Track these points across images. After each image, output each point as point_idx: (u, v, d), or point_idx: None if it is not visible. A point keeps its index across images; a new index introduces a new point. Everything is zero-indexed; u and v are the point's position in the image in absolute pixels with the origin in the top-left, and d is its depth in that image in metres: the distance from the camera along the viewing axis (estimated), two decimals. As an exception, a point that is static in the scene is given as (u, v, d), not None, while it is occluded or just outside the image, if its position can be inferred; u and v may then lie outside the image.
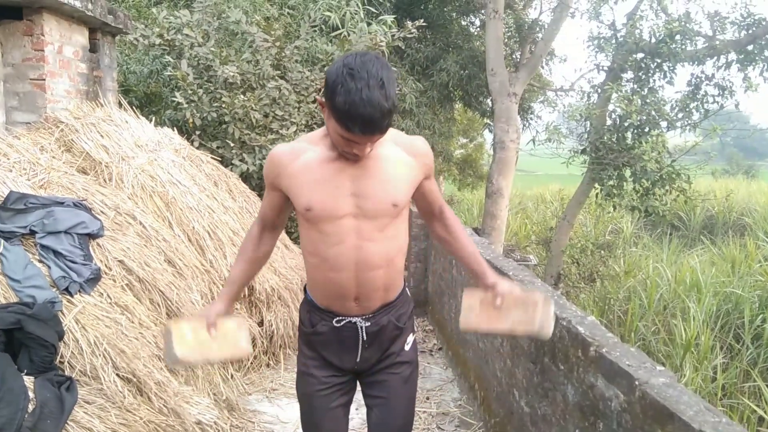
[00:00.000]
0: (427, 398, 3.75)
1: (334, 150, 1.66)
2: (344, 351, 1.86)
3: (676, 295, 8.25)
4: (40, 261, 2.77)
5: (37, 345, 2.35)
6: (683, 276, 8.75)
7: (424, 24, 6.48)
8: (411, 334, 1.98)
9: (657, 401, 1.60)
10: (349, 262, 1.72)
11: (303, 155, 1.71)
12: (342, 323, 1.83)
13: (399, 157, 1.73)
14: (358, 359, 1.87)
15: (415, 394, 2.05)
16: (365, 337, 1.84)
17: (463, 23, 11.86)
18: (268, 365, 4.07)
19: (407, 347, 1.95)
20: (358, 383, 1.99)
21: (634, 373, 1.76)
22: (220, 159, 5.10)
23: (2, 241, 2.70)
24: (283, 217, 1.90)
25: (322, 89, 1.61)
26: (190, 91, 5.47)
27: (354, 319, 1.82)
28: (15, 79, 3.99)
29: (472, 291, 1.93)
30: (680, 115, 8.64)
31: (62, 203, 3.05)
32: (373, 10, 6.96)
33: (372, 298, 1.81)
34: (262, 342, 3.97)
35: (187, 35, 5.65)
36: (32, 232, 2.85)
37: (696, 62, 8.67)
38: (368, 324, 1.83)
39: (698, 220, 15.62)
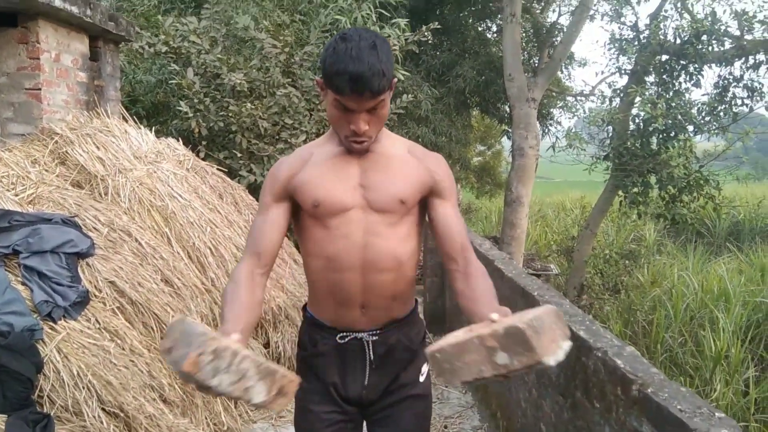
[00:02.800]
0: (445, 427, 3.47)
1: (341, 145, 1.61)
2: (349, 374, 1.65)
3: (703, 304, 7.92)
4: (23, 283, 2.56)
5: (11, 379, 2.13)
6: (711, 285, 8.40)
7: (438, 27, 6.24)
8: (425, 363, 1.73)
9: (722, 462, 1.33)
10: (355, 260, 1.57)
11: (311, 158, 1.64)
12: (346, 339, 1.63)
13: (408, 160, 1.64)
14: (366, 382, 1.65)
15: None
16: (372, 356, 1.63)
17: (480, 28, 11.61)
18: (275, 389, 3.82)
19: (422, 378, 1.72)
20: (364, 424, 1.75)
21: (688, 422, 1.48)
22: (227, 170, 4.89)
23: (-19, 262, 2.50)
24: (281, 244, 1.66)
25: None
26: (196, 100, 5.28)
27: (360, 335, 1.63)
28: (10, 88, 3.82)
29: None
30: (708, 119, 8.28)
31: (50, 220, 2.84)
32: (386, 13, 6.73)
33: (379, 306, 1.61)
34: (269, 365, 3.73)
35: (193, 42, 5.47)
36: (15, 252, 2.65)
37: (723, 63, 8.32)
38: (375, 339, 1.63)
39: (724, 227, 15.14)
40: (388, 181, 1.59)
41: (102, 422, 2.31)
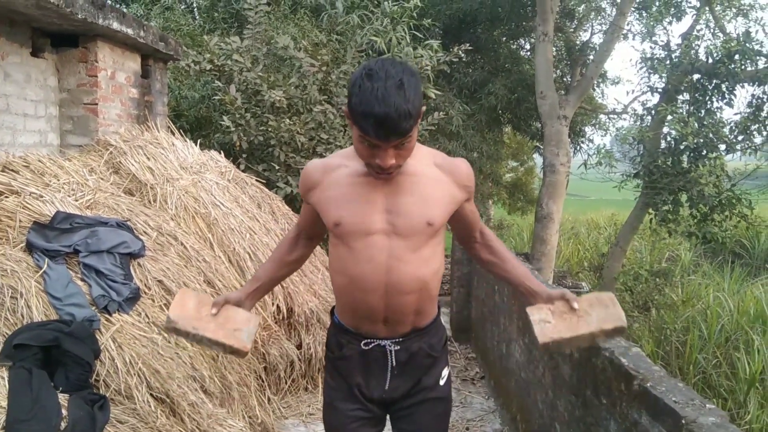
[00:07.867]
0: (467, 429, 3.62)
1: None
2: (372, 377, 1.76)
3: (738, 326, 7.81)
4: (82, 279, 2.83)
5: (73, 363, 2.38)
6: (747, 306, 8.29)
7: (470, 47, 6.44)
8: (446, 368, 1.86)
9: (705, 443, 1.47)
10: (378, 283, 1.63)
11: (337, 170, 1.67)
12: (370, 346, 1.73)
13: (437, 177, 1.67)
14: (386, 386, 1.76)
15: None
16: (394, 363, 1.74)
17: (513, 47, 11.78)
18: (306, 389, 4.03)
19: (442, 382, 1.83)
20: (388, 420, 1.88)
21: (680, 411, 1.63)
22: (265, 181, 5.16)
23: (46, 259, 2.77)
24: (318, 230, 1.86)
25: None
26: (237, 115, 5.58)
27: (383, 342, 1.73)
28: (70, 103, 4.15)
29: (537, 306, 1.79)
30: (740, 138, 8.27)
31: (106, 223, 3.12)
32: (419, 35, 6.98)
33: (402, 322, 1.72)
34: (301, 365, 3.94)
35: (236, 61, 5.78)
36: (76, 251, 2.92)
37: (757, 82, 8.32)
38: (398, 348, 1.73)
39: (763, 248, 14.83)
40: (416, 204, 1.61)
41: (150, 406, 2.54)
